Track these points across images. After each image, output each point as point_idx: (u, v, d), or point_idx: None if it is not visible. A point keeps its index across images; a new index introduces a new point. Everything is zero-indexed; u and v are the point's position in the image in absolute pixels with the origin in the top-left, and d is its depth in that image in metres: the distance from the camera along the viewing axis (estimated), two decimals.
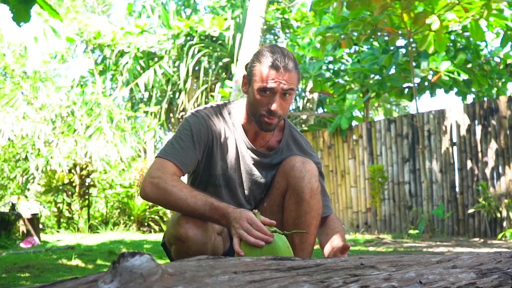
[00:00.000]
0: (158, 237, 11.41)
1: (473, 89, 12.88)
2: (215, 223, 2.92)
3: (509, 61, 12.54)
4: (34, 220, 10.38)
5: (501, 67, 12.59)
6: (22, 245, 9.43)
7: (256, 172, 3.36)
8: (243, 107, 3.35)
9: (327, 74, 14.21)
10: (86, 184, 14.63)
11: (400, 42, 13.22)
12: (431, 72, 12.27)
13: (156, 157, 3.16)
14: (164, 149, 3.15)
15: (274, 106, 3.11)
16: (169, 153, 3.11)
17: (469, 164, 11.48)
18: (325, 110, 17.62)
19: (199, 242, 2.93)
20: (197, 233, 2.92)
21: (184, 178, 3.31)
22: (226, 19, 17.81)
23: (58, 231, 13.57)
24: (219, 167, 3.30)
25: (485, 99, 12.32)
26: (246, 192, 3.40)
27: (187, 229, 2.91)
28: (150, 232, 14.14)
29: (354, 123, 13.55)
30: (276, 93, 3.10)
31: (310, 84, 15.68)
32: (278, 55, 3.12)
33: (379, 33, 11.73)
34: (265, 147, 3.40)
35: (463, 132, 11.62)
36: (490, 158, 11.18)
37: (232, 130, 3.32)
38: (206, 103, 16.99)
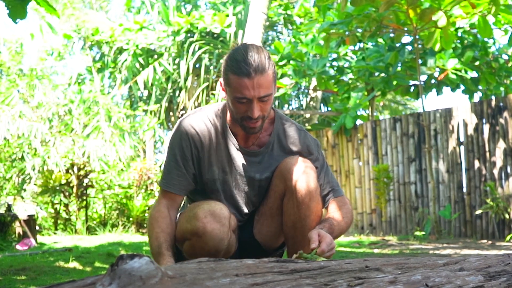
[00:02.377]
0: None
1: (480, 87, 12.74)
2: None
3: None
4: (31, 221, 10.28)
5: (510, 64, 12.48)
6: (18, 247, 9.35)
7: (249, 173, 3.34)
8: (227, 107, 3.35)
9: (331, 72, 14.18)
10: (84, 184, 14.53)
11: (406, 39, 13.08)
12: (437, 70, 12.14)
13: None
14: (162, 176, 3.36)
15: (253, 113, 3.09)
16: (163, 180, 3.31)
17: (476, 164, 11.34)
18: (329, 108, 17.47)
19: (217, 237, 2.99)
20: (215, 228, 2.98)
21: None
22: (227, 15, 17.72)
23: (55, 233, 13.51)
24: (211, 173, 3.32)
25: (493, 97, 12.23)
26: (242, 194, 3.38)
27: (205, 223, 2.97)
28: None
29: (358, 122, 13.57)
30: (253, 101, 3.08)
31: (314, 82, 15.52)
32: (247, 57, 3.05)
33: (384, 30, 11.63)
34: (257, 144, 3.39)
35: (470, 131, 11.48)
36: (498, 158, 11.03)
37: (220, 133, 3.32)
38: (207, 101, 16.90)
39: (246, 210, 3.40)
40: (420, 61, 11.96)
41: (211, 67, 17.63)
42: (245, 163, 3.31)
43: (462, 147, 11.67)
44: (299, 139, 3.41)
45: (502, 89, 12.85)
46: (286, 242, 3.35)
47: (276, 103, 16.78)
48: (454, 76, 11.78)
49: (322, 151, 3.64)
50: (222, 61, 3.25)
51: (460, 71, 11.86)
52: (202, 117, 3.31)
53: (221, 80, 3.23)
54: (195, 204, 3.15)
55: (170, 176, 3.25)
